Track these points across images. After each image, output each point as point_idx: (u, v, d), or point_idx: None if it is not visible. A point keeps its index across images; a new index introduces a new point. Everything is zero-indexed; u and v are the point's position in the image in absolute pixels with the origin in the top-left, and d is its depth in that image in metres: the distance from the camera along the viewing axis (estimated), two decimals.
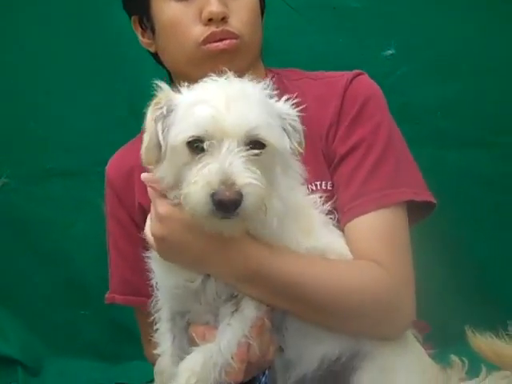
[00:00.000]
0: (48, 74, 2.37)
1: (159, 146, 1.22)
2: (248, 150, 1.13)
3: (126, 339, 2.35)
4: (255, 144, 1.15)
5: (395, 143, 1.49)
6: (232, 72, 1.24)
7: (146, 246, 1.37)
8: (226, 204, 1.09)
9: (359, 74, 1.54)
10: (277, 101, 1.25)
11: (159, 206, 1.25)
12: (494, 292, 2.20)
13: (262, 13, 1.63)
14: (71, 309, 2.47)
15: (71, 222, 2.42)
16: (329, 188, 1.48)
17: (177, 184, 1.19)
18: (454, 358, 1.47)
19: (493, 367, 1.48)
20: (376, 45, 2.23)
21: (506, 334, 1.48)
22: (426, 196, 1.47)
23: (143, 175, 1.30)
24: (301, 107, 1.26)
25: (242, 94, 1.18)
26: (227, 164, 1.10)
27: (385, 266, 1.36)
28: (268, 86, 1.24)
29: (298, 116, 1.25)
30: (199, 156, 1.14)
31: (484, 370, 1.46)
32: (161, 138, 1.21)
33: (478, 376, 1.46)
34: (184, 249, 1.26)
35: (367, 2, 2.22)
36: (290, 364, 1.34)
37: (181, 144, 1.17)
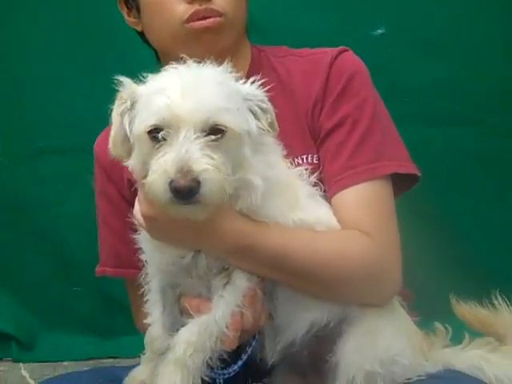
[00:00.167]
0: (37, 54, 2.39)
1: (127, 139, 1.24)
2: (206, 136, 1.15)
3: (117, 314, 2.39)
4: (214, 130, 1.16)
5: (380, 118, 1.51)
6: (217, 49, 1.27)
7: (134, 227, 1.39)
8: (183, 191, 1.11)
9: (344, 51, 1.55)
10: (243, 83, 1.27)
11: None
12: (479, 263, 2.26)
13: None
14: (64, 285, 2.51)
15: (62, 200, 2.45)
16: (315, 161, 1.50)
17: (146, 173, 1.20)
18: (438, 325, 1.52)
19: (476, 334, 1.53)
20: (366, 24, 2.25)
21: (490, 303, 1.53)
22: (411, 169, 1.49)
23: None
24: (279, 80, 1.28)
25: (199, 81, 1.19)
26: (183, 152, 1.12)
27: (371, 235, 1.39)
28: (228, 69, 1.25)
29: (266, 96, 1.26)
30: (158, 145, 1.16)
31: (467, 336, 1.50)
32: (128, 130, 1.24)
33: (461, 343, 1.50)
34: (174, 228, 1.27)
35: None
36: (280, 330, 1.37)
37: (142, 134, 1.19)
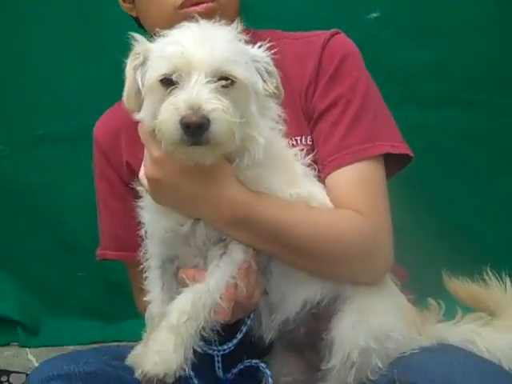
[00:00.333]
0: (36, 41, 2.39)
1: (140, 93, 1.28)
2: (216, 82, 1.19)
3: (120, 299, 2.38)
4: (224, 79, 1.20)
5: (372, 99, 1.53)
6: None
7: (136, 200, 1.42)
8: (193, 127, 1.14)
9: (336, 33, 1.57)
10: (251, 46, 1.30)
11: (154, 150, 1.29)
12: (471, 241, 2.27)
13: None
14: (67, 270, 2.52)
15: (64, 187, 2.46)
16: (309, 143, 1.52)
17: (155, 125, 1.23)
18: (431, 301, 1.55)
19: (468, 309, 1.56)
20: (361, 8, 2.25)
21: (481, 279, 1.56)
22: (403, 149, 1.51)
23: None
24: (276, 56, 1.31)
25: (211, 35, 1.24)
26: (195, 92, 1.16)
27: (363, 214, 1.41)
28: (238, 29, 1.29)
29: (272, 59, 1.30)
30: (169, 89, 1.20)
31: (460, 312, 1.54)
32: (140, 84, 1.28)
33: (454, 318, 1.54)
34: (176, 191, 1.30)
35: None
36: (274, 307, 1.40)
37: (154, 82, 1.23)
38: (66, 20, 2.36)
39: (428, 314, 1.53)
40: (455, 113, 2.28)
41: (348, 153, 1.46)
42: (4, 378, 2.34)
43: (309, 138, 1.53)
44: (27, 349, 2.52)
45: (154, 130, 1.23)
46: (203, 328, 1.27)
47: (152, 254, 1.41)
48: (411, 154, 1.53)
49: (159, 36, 1.29)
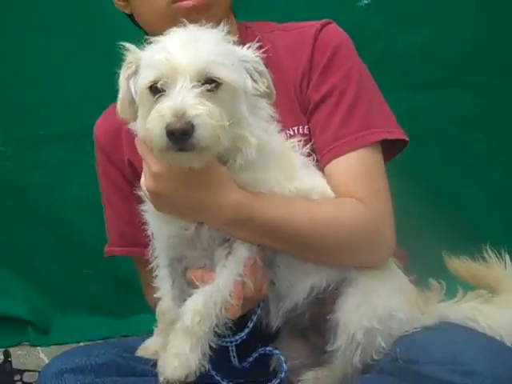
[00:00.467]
0: (36, 41, 2.40)
1: (134, 102, 1.30)
2: (202, 86, 1.20)
3: (128, 294, 2.43)
4: (210, 82, 1.21)
5: (366, 87, 1.55)
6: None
7: (139, 200, 1.44)
8: (177, 134, 1.15)
9: (328, 23, 1.59)
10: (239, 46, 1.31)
11: (152, 164, 1.31)
12: (470, 220, 2.31)
13: None
14: (75, 269, 2.55)
15: (67, 185, 2.49)
16: (306, 132, 1.54)
17: None
18: (432, 281, 1.58)
19: (469, 288, 1.58)
20: None
21: (481, 257, 1.59)
22: (399, 134, 1.53)
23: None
24: (267, 55, 1.32)
25: (196, 39, 1.25)
26: (180, 99, 1.17)
27: (364, 201, 1.43)
28: (224, 30, 1.30)
29: (262, 59, 1.31)
30: (157, 97, 1.22)
31: (460, 290, 1.56)
32: (133, 93, 1.29)
33: (455, 297, 1.56)
34: (177, 202, 1.33)
35: None
36: (282, 295, 1.43)
37: (144, 90, 1.25)
38: (66, 20, 2.38)
39: (430, 294, 1.56)
40: (449, 96, 2.31)
41: (345, 142, 1.48)
42: (17, 377, 2.35)
43: (306, 127, 1.55)
44: (38, 348, 2.55)
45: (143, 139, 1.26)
46: (216, 325, 1.31)
47: (159, 253, 1.44)
48: (407, 139, 1.55)
49: (149, 43, 1.30)
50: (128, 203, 1.60)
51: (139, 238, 1.51)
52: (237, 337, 1.39)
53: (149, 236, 1.45)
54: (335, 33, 1.59)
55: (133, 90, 1.30)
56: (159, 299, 1.45)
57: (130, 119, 1.33)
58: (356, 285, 1.42)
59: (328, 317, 1.42)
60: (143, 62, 1.29)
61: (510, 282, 1.55)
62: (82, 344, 2.49)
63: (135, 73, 1.30)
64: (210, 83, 1.21)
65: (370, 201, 1.44)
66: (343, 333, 1.39)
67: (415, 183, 2.22)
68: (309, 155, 1.47)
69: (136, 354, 1.47)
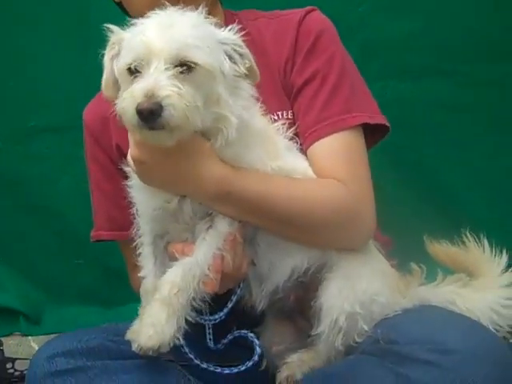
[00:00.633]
0: (24, 36, 2.41)
1: (117, 81, 1.34)
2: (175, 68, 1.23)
3: (119, 284, 2.36)
4: (184, 65, 1.24)
5: (349, 72, 1.58)
6: None
7: (126, 176, 1.47)
8: (145, 113, 1.19)
9: (312, 10, 1.62)
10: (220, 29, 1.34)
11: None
12: (450, 205, 2.34)
13: None
14: (66, 259, 2.56)
15: (57, 177, 2.50)
16: (290, 117, 1.57)
17: None
18: (413, 265, 1.61)
19: (448, 272, 1.62)
20: None
21: (460, 241, 1.62)
22: (380, 119, 1.56)
23: None
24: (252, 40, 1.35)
25: (173, 21, 1.28)
26: (152, 80, 1.21)
27: (344, 182, 1.46)
28: (203, 13, 1.33)
29: (243, 41, 1.34)
30: (133, 77, 1.26)
31: (440, 274, 1.60)
32: (116, 74, 1.33)
33: (435, 280, 1.60)
34: (160, 171, 1.36)
35: None
36: (263, 276, 1.46)
37: (123, 71, 1.29)
38: (55, 12, 2.39)
39: (411, 278, 1.59)
40: (434, 84, 2.33)
41: (327, 124, 1.50)
42: (9, 365, 2.38)
43: (290, 112, 1.58)
44: (30, 337, 2.55)
45: None
46: (193, 299, 1.33)
47: (143, 231, 1.46)
48: (388, 125, 1.57)
49: (132, 25, 1.33)
50: (116, 186, 1.62)
51: (126, 222, 1.54)
52: (216, 316, 1.42)
53: (134, 216, 1.47)
54: (319, 19, 1.62)
55: (116, 71, 1.33)
56: (143, 278, 1.47)
57: (114, 98, 1.35)
58: (338, 269, 1.45)
59: (312, 302, 1.45)
60: (124, 43, 1.32)
61: (488, 265, 1.59)
62: None
63: (118, 54, 1.33)
64: (184, 65, 1.24)
65: (350, 182, 1.47)
66: (326, 317, 1.42)
67: (398, 169, 2.24)
68: (292, 139, 1.50)
69: (125, 338, 1.47)
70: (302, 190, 1.45)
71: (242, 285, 1.45)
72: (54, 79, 2.43)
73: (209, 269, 1.33)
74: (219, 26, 1.35)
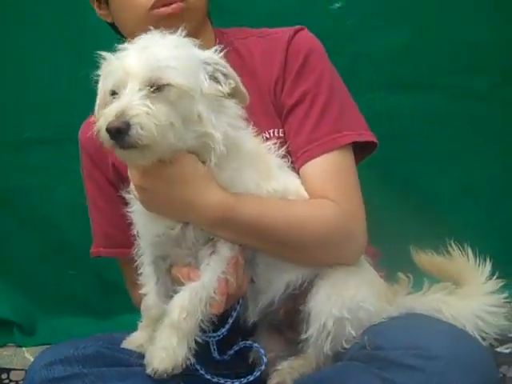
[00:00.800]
0: (19, 46, 2.42)
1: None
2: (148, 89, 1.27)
3: (113, 295, 2.45)
4: (160, 86, 1.28)
5: (337, 91, 1.61)
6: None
7: (123, 202, 1.50)
8: (113, 132, 1.23)
9: (300, 29, 1.65)
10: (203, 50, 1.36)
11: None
12: (436, 216, 2.36)
13: None
14: (60, 270, 2.57)
15: (51, 188, 2.50)
16: (281, 135, 1.61)
17: None
18: (400, 275, 1.65)
19: (434, 280, 1.66)
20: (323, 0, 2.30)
21: (445, 251, 1.66)
22: (368, 137, 1.60)
23: None
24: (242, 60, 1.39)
25: (151, 44, 1.33)
26: (125, 101, 1.25)
27: (336, 201, 1.50)
28: (183, 34, 1.36)
29: (226, 62, 1.36)
30: (112, 99, 1.30)
31: (427, 283, 1.63)
32: (103, 98, 1.37)
33: (422, 289, 1.63)
34: (162, 198, 1.40)
35: None
36: (260, 292, 1.50)
37: (107, 95, 1.33)
38: (49, 25, 2.40)
39: (398, 287, 1.63)
40: (422, 96, 2.34)
41: (318, 144, 1.54)
42: (5, 376, 2.39)
43: (281, 130, 1.62)
44: (24, 348, 2.56)
45: None
46: (201, 321, 1.38)
47: (144, 251, 1.50)
48: (376, 141, 1.61)
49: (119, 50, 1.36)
50: (113, 205, 1.65)
51: (124, 240, 1.57)
52: (219, 332, 1.45)
53: (134, 237, 1.50)
54: (307, 39, 1.65)
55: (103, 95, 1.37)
56: (144, 295, 1.50)
57: None
58: (327, 278, 1.49)
59: (301, 308, 1.49)
60: (108, 68, 1.35)
61: (473, 273, 1.62)
62: None
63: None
64: (162, 88, 1.28)
65: (343, 202, 1.51)
66: (314, 321, 1.46)
67: (385, 181, 2.26)
68: (284, 157, 1.54)
69: (121, 346, 1.51)
70: (295, 211, 1.48)
71: (241, 301, 1.49)
72: (50, 91, 2.44)
73: (214, 292, 1.37)
74: (203, 46, 1.38)
